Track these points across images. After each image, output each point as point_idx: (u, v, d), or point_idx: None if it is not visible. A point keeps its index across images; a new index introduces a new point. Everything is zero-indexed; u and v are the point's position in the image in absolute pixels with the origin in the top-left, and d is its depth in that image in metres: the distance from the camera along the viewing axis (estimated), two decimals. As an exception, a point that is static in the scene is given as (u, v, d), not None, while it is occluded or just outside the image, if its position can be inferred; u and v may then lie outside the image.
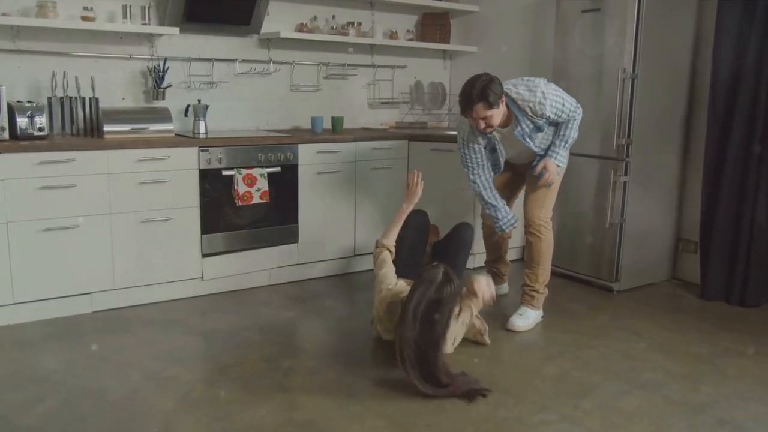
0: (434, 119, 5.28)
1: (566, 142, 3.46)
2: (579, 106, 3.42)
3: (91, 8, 3.74)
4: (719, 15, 3.87)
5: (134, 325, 3.47)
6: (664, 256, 4.40)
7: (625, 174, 4.01)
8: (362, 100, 5.01)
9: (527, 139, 3.40)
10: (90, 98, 3.82)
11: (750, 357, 3.23)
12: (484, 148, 3.50)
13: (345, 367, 3.04)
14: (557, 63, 4.31)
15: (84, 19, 3.71)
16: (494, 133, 3.41)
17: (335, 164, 4.26)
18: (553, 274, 4.19)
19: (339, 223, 4.35)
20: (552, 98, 3.31)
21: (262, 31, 4.35)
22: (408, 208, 3.45)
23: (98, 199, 3.51)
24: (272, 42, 4.50)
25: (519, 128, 3.36)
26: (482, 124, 3.26)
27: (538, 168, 3.44)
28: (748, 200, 3.87)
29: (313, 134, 4.36)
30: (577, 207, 4.28)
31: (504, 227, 3.62)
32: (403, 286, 3.15)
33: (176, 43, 4.16)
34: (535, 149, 3.45)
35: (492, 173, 3.59)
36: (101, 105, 3.84)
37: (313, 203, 4.21)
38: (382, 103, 5.07)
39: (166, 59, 4.06)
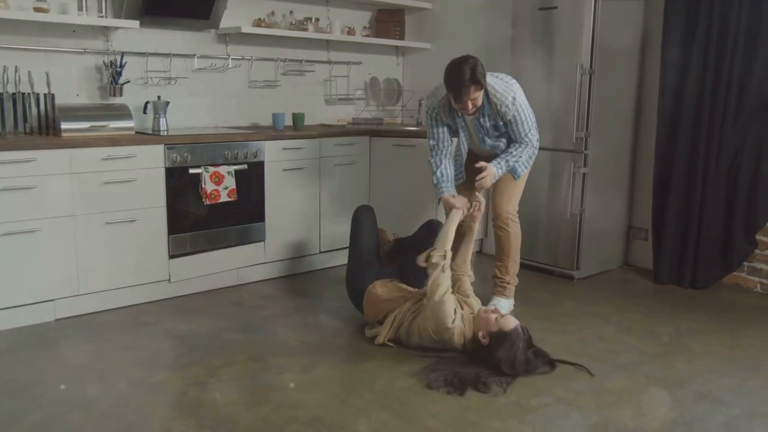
0: (389, 115, 5.32)
1: (509, 162, 3.43)
2: (538, 143, 3.48)
3: (45, -1, 3.55)
4: (666, 11, 4.09)
5: (105, 331, 3.32)
6: (617, 244, 4.62)
7: (584, 166, 4.18)
8: (319, 96, 4.98)
9: (482, 134, 3.46)
10: (45, 94, 3.61)
11: (711, 335, 3.45)
12: (448, 127, 3.50)
13: (337, 362, 3.03)
14: (515, 60, 4.43)
15: (37, 10, 3.51)
16: (463, 118, 3.43)
17: (300, 161, 4.22)
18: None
19: (304, 219, 4.31)
20: (521, 109, 3.34)
21: (221, 26, 4.25)
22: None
23: (61, 201, 3.34)
24: (230, 37, 4.40)
25: (480, 120, 3.39)
26: (470, 105, 3.24)
27: (483, 172, 3.40)
28: (696, 188, 4.11)
29: (274, 131, 4.30)
30: (537, 198, 4.42)
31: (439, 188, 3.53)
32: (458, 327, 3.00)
33: (132, 37, 4.00)
34: (485, 145, 3.50)
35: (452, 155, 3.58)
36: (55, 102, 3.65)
37: (279, 200, 4.15)
38: (339, 99, 5.05)
39: (123, 54, 3.90)
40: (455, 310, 3.01)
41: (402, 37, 5.17)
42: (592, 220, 4.30)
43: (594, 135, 4.16)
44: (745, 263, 4.16)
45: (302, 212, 4.28)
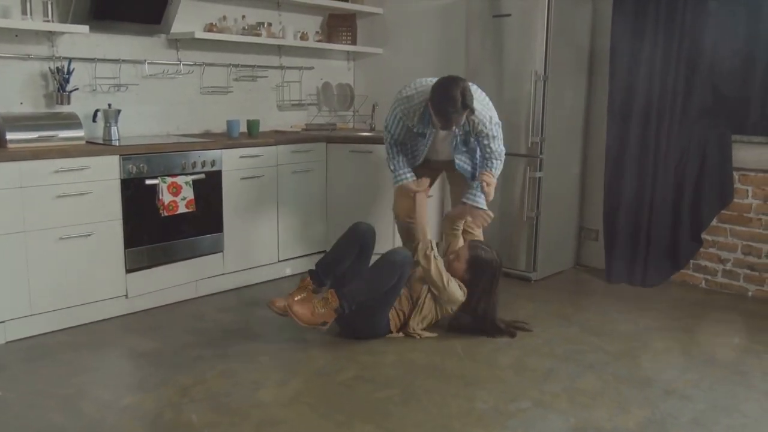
0: (341, 120, 5.29)
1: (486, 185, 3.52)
2: (504, 154, 3.56)
3: (-14, 3, 3.34)
4: (614, 19, 4.24)
5: (63, 353, 3.16)
6: (569, 245, 4.74)
7: (539, 170, 4.28)
8: (271, 102, 4.90)
9: (456, 146, 3.54)
10: (-13, 103, 3.42)
11: (667, 331, 3.59)
12: (414, 129, 3.51)
13: (312, 374, 2.99)
14: (470, 66, 4.49)
15: (-22, 14, 3.31)
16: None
17: (258, 169, 4.14)
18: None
19: (263, 228, 4.23)
20: (497, 127, 3.46)
21: (172, 30, 4.11)
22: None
23: (10, 216, 3.15)
24: (180, 43, 4.27)
25: (455, 134, 3.46)
26: (453, 127, 3.31)
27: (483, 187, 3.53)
28: (645, 189, 4.28)
29: (229, 138, 4.21)
30: (494, 202, 4.43)
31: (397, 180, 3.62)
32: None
33: (79, 42, 3.82)
34: (452, 156, 3.59)
35: (405, 148, 3.66)
36: (-1, 111, 3.45)
37: (238, 210, 4.06)
38: (292, 104, 4.99)
39: (70, 60, 3.72)
40: (459, 286, 3.38)
41: (354, 42, 5.14)
42: (547, 223, 4.40)
43: (548, 139, 4.26)
44: (691, 261, 4.36)
45: (260, 221, 4.20)
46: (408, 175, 3.59)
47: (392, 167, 3.62)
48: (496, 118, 3.46)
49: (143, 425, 2.51)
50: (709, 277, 4.32)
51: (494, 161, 3.54)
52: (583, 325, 3.66)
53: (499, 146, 3.52)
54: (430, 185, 3.70)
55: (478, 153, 3.61)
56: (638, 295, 4.22)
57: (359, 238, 3.44)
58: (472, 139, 3.50)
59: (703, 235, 4.27)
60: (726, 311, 3.92)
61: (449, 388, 2.87)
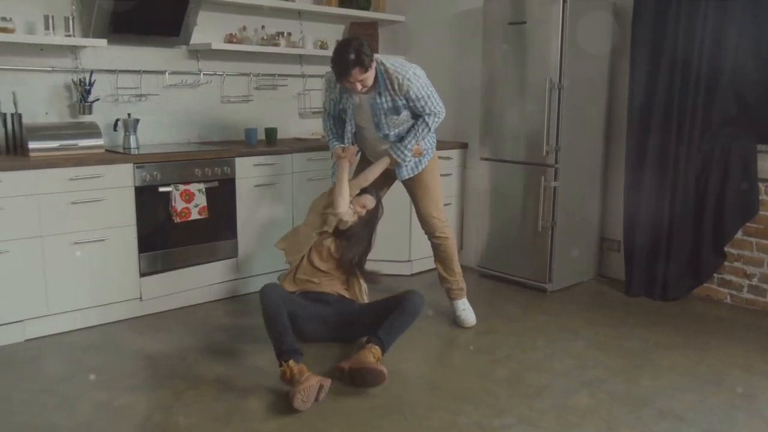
0: (364, 127, 5.33)
1: (416, 139, 3.50)
2: (444, 110, 3.50)
3: (10, 19, 3.52)
4: (634, 27, 4.13)
5: (74, 352, 3.31)
6: (590, 256, 4.64)
7: (555, 179, 4.21)
8: (293, 109, 4.99)
9: (380, 114, 3.44)
10: (12, 114, 3.60)
11: (677, 349, 3.47)
12: (338, 103, 3.57)
13: (302, 383, 3.03)
14: (485, 73, 4.46)
15: (1, 30, 3.49)
16: (354, 97, 3.47)
17: (272, 176, 4.22)
18: (486, 276, 4.40)
19: (277, 235, 4.26)
20: (422, 83, 3.38)
21: (192, 42, 4.24)
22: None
23: (28, 222, 3.33)
24: (201, 53, 4.40)
25: (377, 99, 3.40)
26: (359, 86, 3.30)
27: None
28: (666, 201, 4.15)
29: (247, 146, 4.30)
30: (509, 212, 4.45)
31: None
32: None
33: (101, 54, 3.99)
34: (380, 132, 3.51)
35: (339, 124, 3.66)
36: (23, 121, 3.64)
37: (252, 217, 4.16)
38: (313, 112, 5.06)
39: (92, 72, 3.89)
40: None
41: (376, 50, 5.14)
42: (565, 233, 4.32)
43: (565, 148, 4.18)
44: (715, 275, 4.19)
45: (275, 228, 4.27)
46: (335, 142, 3.61)
47: (326, 140, 3.70)
48: (422, 74, 3.40)
49: (130, 426, 2.61)
50: (734, 293, 4.15)
51: (421, 120, 3.47)
52: (590, 340, 3.58)
53: (434, 105, 3.44)
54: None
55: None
56: (656, 309, 4.09)
57: (283, 300, 3.21)
58: (401, 104, 3.40)
59: (727, 249, 4.11)
60: (747, 329, 3.76)
61: (436, 401, 2.87)
